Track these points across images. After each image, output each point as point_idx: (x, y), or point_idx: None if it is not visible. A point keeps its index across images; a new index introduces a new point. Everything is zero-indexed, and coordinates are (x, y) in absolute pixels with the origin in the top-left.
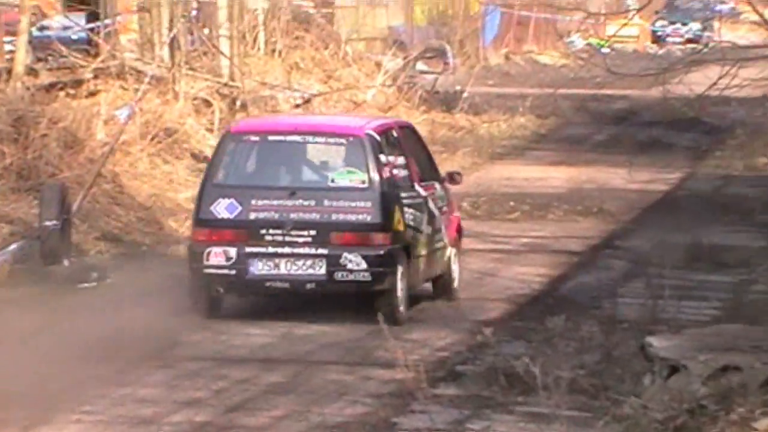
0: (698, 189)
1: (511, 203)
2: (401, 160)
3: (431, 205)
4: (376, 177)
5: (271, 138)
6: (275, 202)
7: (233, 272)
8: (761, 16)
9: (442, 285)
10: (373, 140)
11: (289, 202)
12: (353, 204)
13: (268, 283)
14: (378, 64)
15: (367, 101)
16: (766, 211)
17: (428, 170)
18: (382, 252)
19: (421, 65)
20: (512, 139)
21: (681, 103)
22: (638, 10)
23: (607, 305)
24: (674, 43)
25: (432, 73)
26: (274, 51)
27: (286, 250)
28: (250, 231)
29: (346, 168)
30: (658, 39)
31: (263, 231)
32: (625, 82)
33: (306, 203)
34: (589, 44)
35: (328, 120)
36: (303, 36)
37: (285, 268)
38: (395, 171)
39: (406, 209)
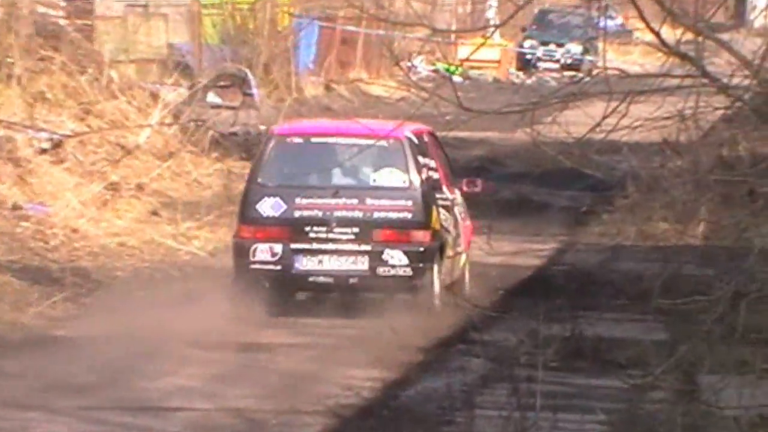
0: (579, 264)
1: None
2: (433, 163)
3: (455, 209)
4: (416, 177)
5: (314, 140)
6: (319, 201)
7: (279, 267)
8: (657, 35)
9: (455, 290)
10: (412, 142)
11: (333, 201)
12: (394, 203)
13: (311, 278)
14: (154, 96)
15: (140, 145)
16: (667, 293)
17: (450, 175)
18: (422, 249)
19: (212, 97)
20: None
21: (556, 150)
22: (498, 26)
23: (461, 419)
24: (547, 70)
25: (228, 107)
26: (10, 76)
27: (330, 246)
28: (295, 228)
29: (387, 168)
30: (526, 64)
31: (308, 228)
32: (484, 121)
33: (349, 202)
34: (435, 70)
35: (367, 123)
36: (51, 57)
37: (329, 263)
38: (430, 173)
39: (441, 210)
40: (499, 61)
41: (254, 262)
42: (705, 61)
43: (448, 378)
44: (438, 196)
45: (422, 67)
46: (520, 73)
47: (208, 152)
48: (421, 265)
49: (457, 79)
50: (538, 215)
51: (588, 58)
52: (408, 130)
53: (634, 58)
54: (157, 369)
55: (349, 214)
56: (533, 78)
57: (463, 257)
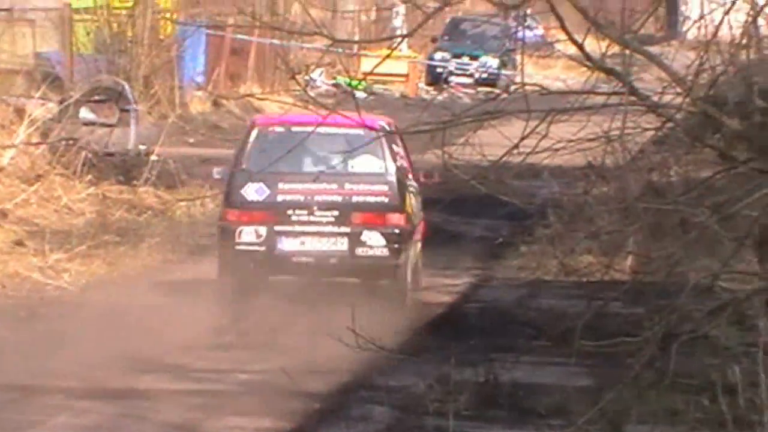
0: (495, 301)
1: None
2: (402, 151)
3: (419, 197)
4: (391, 164)
5: (294, 129)
6: (300, 186)
7: (263, 248)
8: (581, 48)
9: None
10: (386, 131)
11: (313, 186)
12: (371, 187)
13: (294, 258)
14: (19, 111)
15: (3, 167)
16: (591, 334)
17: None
18: (397, 230)
19: (86, 113)
20: None
21: (469, 174)
22: (405, 36)
23: None
24: (460, 85)
25: (103, 124)
26: None
27: (311, 228)
28: (278, 212)
29: (364, 155)
30: (437, 79)
31: (290, 212)
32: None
33: (329, 187)
34: (336, 85)
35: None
36: None
37: (310, 244)
38: (401, 161)
39: (411, 195)
40: (406, 75)
41: (239, 244)
42: (633, 77)
43: (348, 429)
44: (408, 183)
45: (321, 81)
46: (430, 89)
47: (80, 175)
48: (396, 246)
49: (360, 94)
50: (449, 246)
51: (505, 72)
52: (381, 120)
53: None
54: (23, 419)
55: (329, 198)
56: (444, 94)
57: (419, 246)
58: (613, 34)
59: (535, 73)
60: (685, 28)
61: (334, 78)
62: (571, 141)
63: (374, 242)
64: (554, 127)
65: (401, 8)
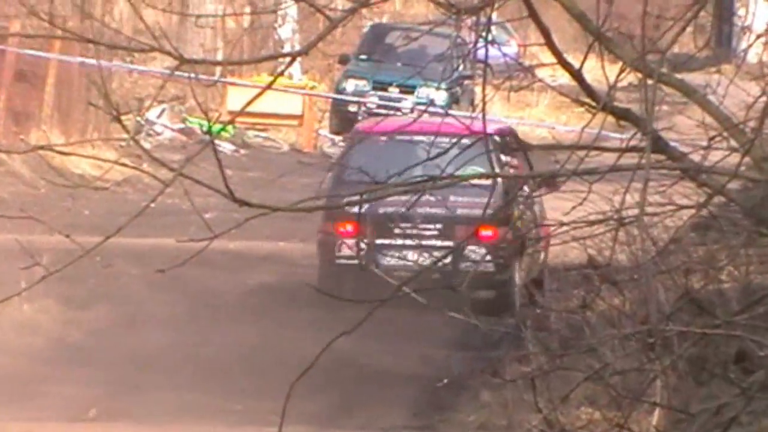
0: None
1: None
2: (514, 161)
3: (534, 208)
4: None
5: (397, 138)
6: (403, 198)
7: (364, 262)
8: (578, 77)
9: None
10: (495, 141)
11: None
12: (477, 200)
13: (396, 273)
14: None
15: None
16: None
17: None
18: (503, 245)
19: None
20: None
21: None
22: (297, 54)
23: None
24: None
25: None
26: None
27: (414, 242)
28: (379, 224)
29: (471, 166)
30: (346, 123)
31: (392, 224)
32: (271, 222)
33: (432, 199)
34: (186, 130)
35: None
36: None
37: (413, 259)
38: (511, 171)
39: (520, 207)
40: (300, 117)
41: (340, 257)
42: (659, 123)
43: None
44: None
45: (163, 122)
46: (337, 138)
47: None
48: (502, 261)
49: (225, 145)
50: (363, 391)
51: (458, 113)
52: (494, 129)
53: (537, 115)
54: None
55: (433, 210)
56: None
57: (542, 255)
58: (628, 54)
59: (506, 114)
60: (743, 46)
61: (184, 120)
62: (564, 224)
63: (479, 257)
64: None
65: (292, 9)
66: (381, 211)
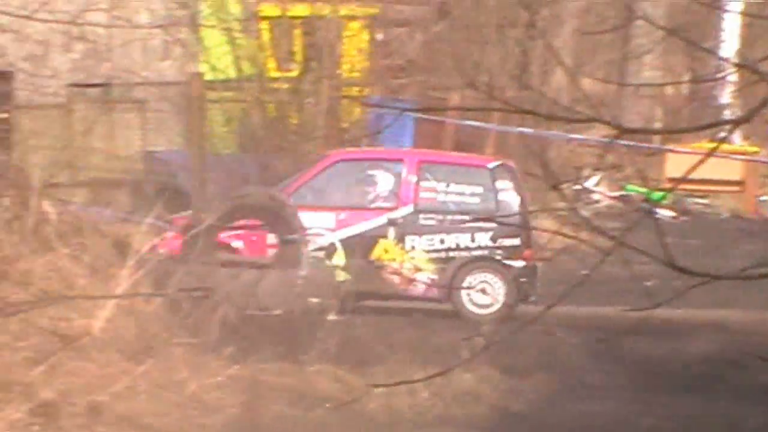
0: None
1: None
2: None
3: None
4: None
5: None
6: None
7: None
8: None
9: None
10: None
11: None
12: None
13: None
14: (121, 244)
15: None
16: None
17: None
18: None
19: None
20: None
21: None
22: (738, 122)
23: None
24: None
25: (253, 265)
26: None
27: None
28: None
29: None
30: None
31: None
32: None
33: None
34: (624, 197)
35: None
36: None
37: None
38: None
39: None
40: (741, 182)
41: None
42: None
43: None
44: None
45: (600, 191)
46: None
47: (216, 347)
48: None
49: (664, 212)
50: None
51: None
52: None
53: None
54: None
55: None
56: None
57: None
58: None
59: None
60: None
61: (623, 187)
62: None
63: None
64: None
65: (732, 75)
66: None
